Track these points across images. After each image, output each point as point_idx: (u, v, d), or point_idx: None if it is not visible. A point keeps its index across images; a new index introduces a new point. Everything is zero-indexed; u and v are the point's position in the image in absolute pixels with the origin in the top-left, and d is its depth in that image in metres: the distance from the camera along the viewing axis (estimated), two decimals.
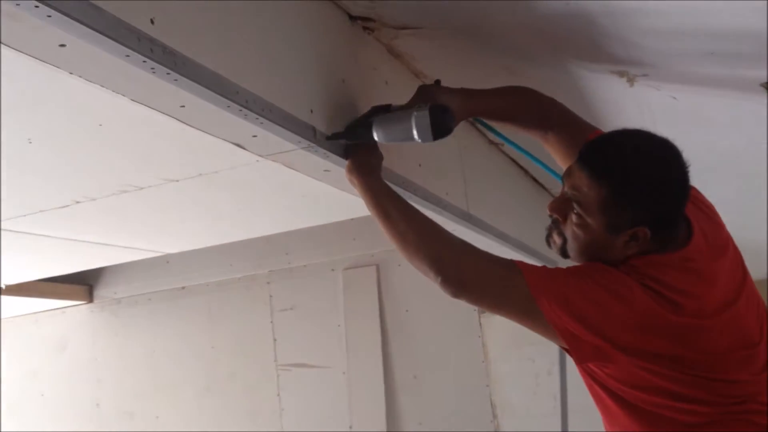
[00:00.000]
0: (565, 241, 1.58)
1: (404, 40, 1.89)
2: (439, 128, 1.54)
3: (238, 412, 5.08)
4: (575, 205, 1.52)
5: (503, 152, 3.08)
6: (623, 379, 1.51)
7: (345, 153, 1.61)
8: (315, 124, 1.51)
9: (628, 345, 1.44)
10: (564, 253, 1.62)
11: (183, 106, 1.22)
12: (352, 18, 1.80)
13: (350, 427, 4.80)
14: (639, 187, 1.47)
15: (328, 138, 1.54)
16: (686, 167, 1.51)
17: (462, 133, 2.57)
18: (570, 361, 4.60)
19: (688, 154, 1.69)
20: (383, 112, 1.60)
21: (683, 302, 1.46)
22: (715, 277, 1.54)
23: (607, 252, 1.53)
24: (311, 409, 4.95)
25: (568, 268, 1.53)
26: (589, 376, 1.58)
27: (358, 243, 4.93)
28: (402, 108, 1.59)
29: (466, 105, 1.68)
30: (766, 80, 1.75)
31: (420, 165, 2.10)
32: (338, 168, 1.67)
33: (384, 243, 4.86)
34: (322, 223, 4.25)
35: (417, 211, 1.63)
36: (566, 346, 1.49)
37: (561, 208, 1.56)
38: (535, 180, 3.55)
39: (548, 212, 1.60)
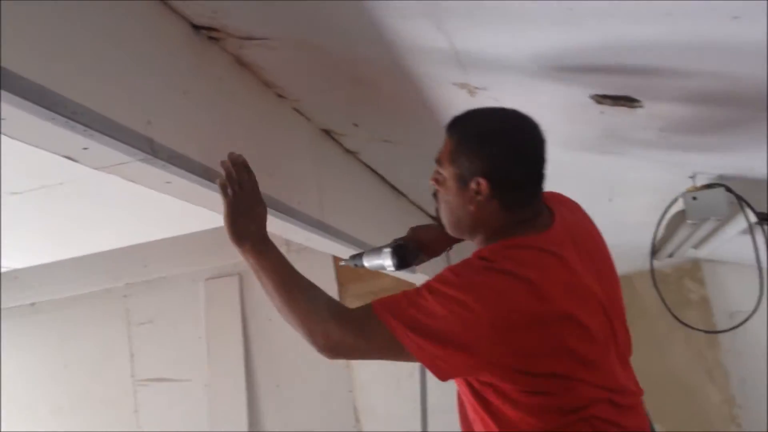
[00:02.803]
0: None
1: (251, 50, 1.87)
2: (400, 262, 1.98)
3: (94, 430, 4.90)
4: (437, 165, 1.64)
5: (360, 161, 3.11)
6: (500, 381, 1.51)
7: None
8: (153, 136, 1.47)
9: (492, 351, 1.46)
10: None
11: (5, 119, 1.16)
12: (196, 28, 1.77)
13: None
14: (478, 134, 1.59)
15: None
16: (535, 136, 1.61)
17: (317, 142, 2.58)
18: None
19: None
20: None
21: (542, 284, 1.48)
22: (578, 267, 1.57)
23: (465, 214, 1.61)
24: (171, 424, 4.83)
25: (425, 286, 1.54)
26: (466, 383, 1.58)
27: (220, 253, 4.86)
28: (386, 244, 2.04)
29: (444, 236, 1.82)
30: (596, 93, 1.85)
31: (270, 175, 2.09)
32: (180, 180, 1.63)
33: None
34: (182, 234, 4.17)
35: (292, 284, 1.69)
36: (431, 371, 1.51)
37: (434, 176, 1.67)
38: (393, 187, 3.61)
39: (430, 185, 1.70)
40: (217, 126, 1.82)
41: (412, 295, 1.53)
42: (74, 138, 1.27)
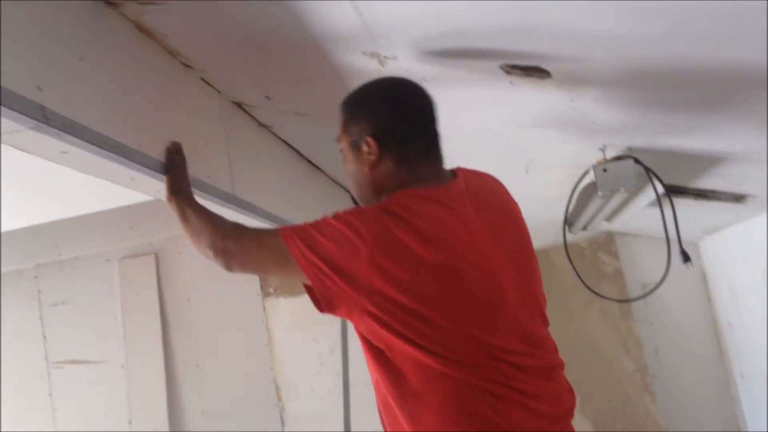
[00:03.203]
0: None
1: (152, 16, 1.80)
2: None
3: (6, 414, 4.75)
4: (338, 146, 1.77)
5: (275, 135, 3.06)
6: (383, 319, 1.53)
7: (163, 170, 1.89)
8: (45, 103, 1.41)
9: (371, 282, 1.50)
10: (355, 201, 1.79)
11: None
12: None
13: (130, 422, 4.63)
14: (362, 98, 1.74)
15: None
16: (418, 94, 1.73)
17: (228, 115, 2.52)
18: (351, 338, 4.71)
19: (442, 133, 1.81)
20: None
21: (429, 231, 1.54)
22: (474, 226, 1.61)
23: (364, 178, 1.71)
24: (87, 407, 4.73)
25: (331, 215, 1.63)
26: (362, 338, 1.61)
27: (136, 231, 4.76)
28: None
29: None
30: (505, 63, 1.85)
31: None
32: (77, 150, 1.57)
33: (163, 231, 4.77)
34: (94, 212, 4.05)
35: (209, 212, 1.87)
36: (315, 290, 1.56)
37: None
38: (310, 162, 3.57)
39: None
40: (118, 95, 1.75)
41: (315, 223, 1.62)
42: None
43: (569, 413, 1.69)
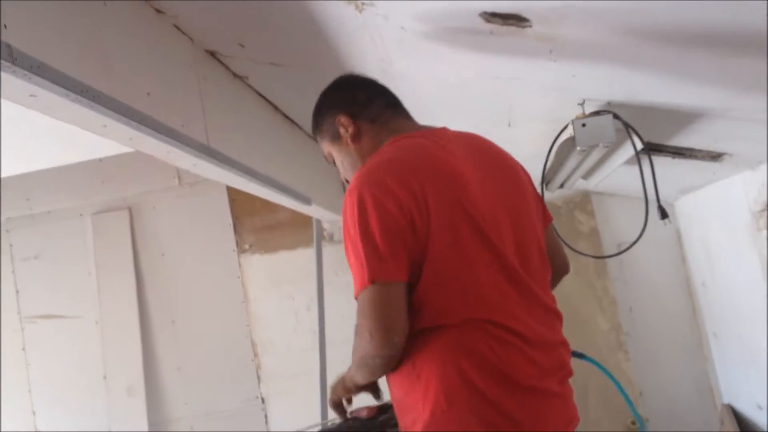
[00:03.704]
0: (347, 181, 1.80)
1: None
2: None
3: None
4: (324, 154, 1.92)
5: (250, 87, 3.02)
6: None
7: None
8: (10, 41, 1.36)
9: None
10: None
11: None
12: None
13: (104, 377, 4.61)
14: (318, 106, 1.90)
15: None
16: (360, 76, 1.91)
17: (201, 63, 2.47)
18: (328, 296, 4.65)
19: (421, 87, 1.85)
20: None
21: (416, 163, 1.61)
22: (463, 162, 1.67)
23: (353, 155, 1.82)
24: (61, 361, 4.70)
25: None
26: None
27: (109, 185, 4.71)
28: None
29: None
30: (484, 10, 1.82)
31: (149, 94, 1.99)
32: (46, 93, 1.53)
33: (137, 185, 4.73)
34: (66, 164, 3.98)
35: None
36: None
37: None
38: (286, 116, 3.52)
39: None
40: (87, 37, 1.71)
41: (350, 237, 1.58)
42: None
43: (566, 366, 1.71)
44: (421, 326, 1.56)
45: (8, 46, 1.36)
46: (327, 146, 1.88)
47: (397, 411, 1.69)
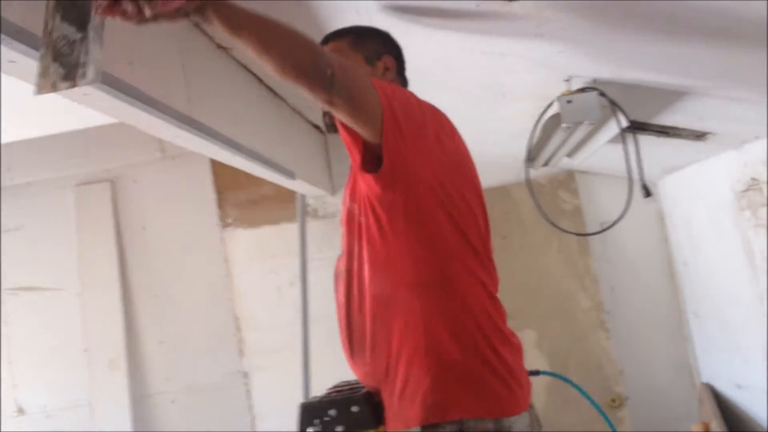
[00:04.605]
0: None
1: None
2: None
3: None
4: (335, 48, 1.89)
5: (234, 59, 2.99)
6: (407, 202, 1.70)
7: None
8: None
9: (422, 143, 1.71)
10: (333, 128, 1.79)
11: None
12: None
13: (86, 350, 4.60)
14: (369, 30, 1.98)
15: None
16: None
17: (183, 33, 2.44)
18: (311, 272, 4.64)
19: (409, 62, 1.99)
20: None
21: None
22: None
23: None
24: (42, 334, 4.68)
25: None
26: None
27: (91, 157, 4.66)
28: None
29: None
30: None
31: (131, 63, 1.96)
32: (26, 59, 1.50)
33: (120, 157, 4.69)
34: (48, 135, 3.94)
35: (277, 30, 1.50)
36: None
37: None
38: (270, 89, 3.50)
39: None
40: None
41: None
42: None
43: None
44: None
45: None
46: (349, 51, 1.88)
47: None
